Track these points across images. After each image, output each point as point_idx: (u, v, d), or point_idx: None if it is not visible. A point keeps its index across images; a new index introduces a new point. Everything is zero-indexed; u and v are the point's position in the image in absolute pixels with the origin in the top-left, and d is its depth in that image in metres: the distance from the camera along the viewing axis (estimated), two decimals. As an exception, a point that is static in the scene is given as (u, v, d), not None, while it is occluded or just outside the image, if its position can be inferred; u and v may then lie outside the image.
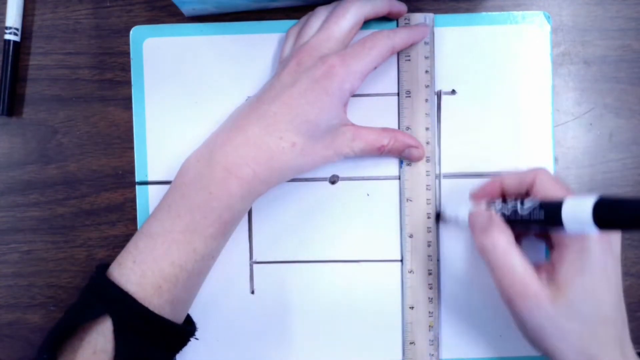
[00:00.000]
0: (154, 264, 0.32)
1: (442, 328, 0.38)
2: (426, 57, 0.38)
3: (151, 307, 0.31)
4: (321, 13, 0.36)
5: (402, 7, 0.37)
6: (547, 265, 0.31)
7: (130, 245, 0.33)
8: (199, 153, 0.34)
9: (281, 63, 0.36)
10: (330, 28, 0.34)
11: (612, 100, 0.39)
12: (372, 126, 0.36)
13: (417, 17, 0.38)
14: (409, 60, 0.38)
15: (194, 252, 0.32)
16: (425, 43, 0.38)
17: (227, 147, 0.33)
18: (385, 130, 0.36)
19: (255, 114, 0.33)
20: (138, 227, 0.39)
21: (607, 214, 0.24)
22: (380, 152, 0.36)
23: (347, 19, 0.35)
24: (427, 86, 0.38)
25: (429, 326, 0.38)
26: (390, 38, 0.35)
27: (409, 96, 0.38)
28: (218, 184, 0.32)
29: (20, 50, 0.40)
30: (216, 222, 0.32)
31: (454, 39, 0.38)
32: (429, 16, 0.38)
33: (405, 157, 0.37)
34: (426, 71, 0.38)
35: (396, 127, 0.38)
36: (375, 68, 0.35)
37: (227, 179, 0.32)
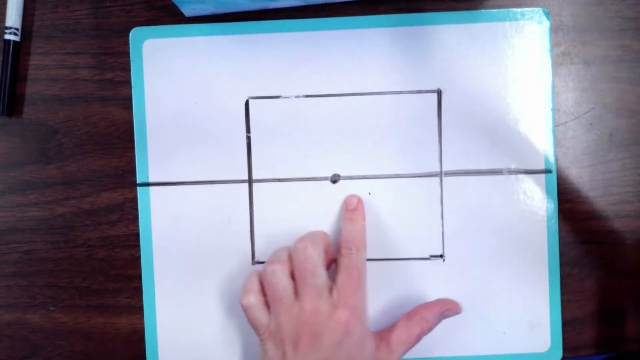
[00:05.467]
0: None
1: (445, 325, 0.38)
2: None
3: None
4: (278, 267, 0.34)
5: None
6: None
7: None
8: None
9: (272, 337, 0.34)
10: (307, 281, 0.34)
11: (612, 100, 0.39)
12: (394, 323, 0.36)
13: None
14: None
15: None
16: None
17: None
18: (409, 319, 0.36)
19: None
20: (139, 228, 0.39)
21: None
22: (421, 338, 0.36)
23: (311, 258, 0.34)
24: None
25: None
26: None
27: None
28: None
29: (20, 50, 0.39)
30: None
31: (453, 37, 0.38)
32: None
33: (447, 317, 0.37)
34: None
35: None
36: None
37: None
